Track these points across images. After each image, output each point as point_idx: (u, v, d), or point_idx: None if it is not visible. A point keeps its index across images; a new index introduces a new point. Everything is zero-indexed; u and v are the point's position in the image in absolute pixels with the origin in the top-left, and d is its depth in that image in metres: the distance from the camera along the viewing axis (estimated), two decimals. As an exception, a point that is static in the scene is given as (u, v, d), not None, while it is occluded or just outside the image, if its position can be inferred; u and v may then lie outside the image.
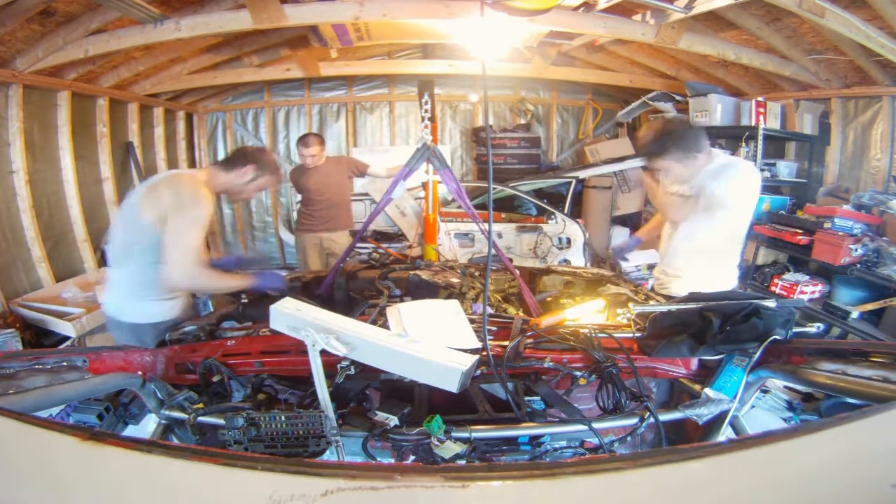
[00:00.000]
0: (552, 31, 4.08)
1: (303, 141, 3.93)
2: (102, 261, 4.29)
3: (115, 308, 2.08)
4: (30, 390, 1.15)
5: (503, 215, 5.18)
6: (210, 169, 2.21)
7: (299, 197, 4.31)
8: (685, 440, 1.55)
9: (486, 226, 2.06)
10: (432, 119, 2.52)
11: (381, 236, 5.14)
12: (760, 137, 4.08)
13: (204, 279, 1.98)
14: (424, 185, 3.23)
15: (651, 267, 5.07)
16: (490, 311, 1.87)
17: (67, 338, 3.21)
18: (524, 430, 1.31)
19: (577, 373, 1.44)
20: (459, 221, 4.85)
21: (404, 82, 6.40)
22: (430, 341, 1.40)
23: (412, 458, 1.28)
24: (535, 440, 1.33)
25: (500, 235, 4.93)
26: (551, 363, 1.47)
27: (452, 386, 1.26)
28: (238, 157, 2.22)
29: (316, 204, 3.97)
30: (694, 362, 1.53)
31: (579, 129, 6.85)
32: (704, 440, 1.39)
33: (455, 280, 2.28)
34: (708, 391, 1.36)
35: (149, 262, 1.94)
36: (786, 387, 2.97)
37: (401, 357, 1.31)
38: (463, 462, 1.22)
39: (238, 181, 2.20)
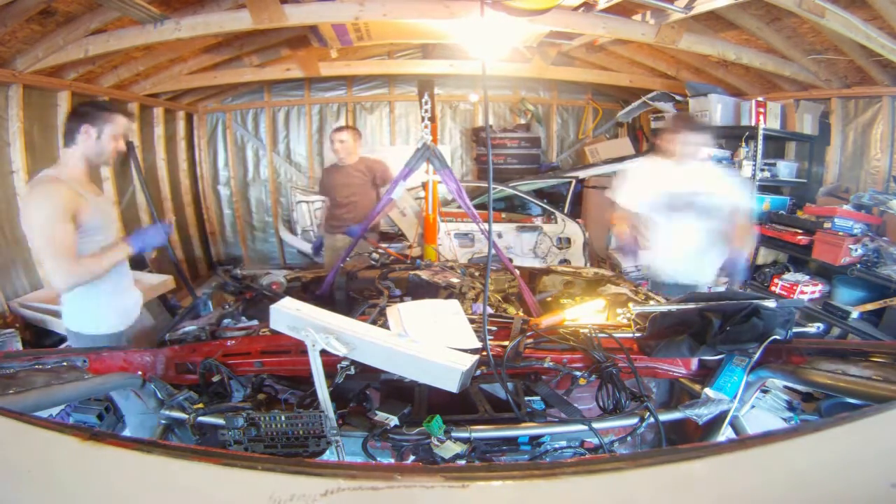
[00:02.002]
0: (552, 31, 4.08)
1: (334, 130, 3.93)
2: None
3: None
4: (30, 390, 1.15)
5: (503, 215, 5.19)
6: (62, 156, 2.03)
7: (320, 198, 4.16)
8: (685, 440, 1.55)
9: (486, 226, 2.06)
10: (432, 119, 2.52)
11: (381, 236, 5.14)
12: (760, 137, 4.08)
13: (77, 271, 1.83)
14: (424, 185, 3.23)
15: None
16: (490, 311, 1.87)
17: (67, 338, 3.21)
18: (524, 430, 1.31)
19: (577, 373, 1.44)
20: (459, 221, 4.85)
21: (404, 82, 6.40)
22: (429, 341, 1.40)
23: (412, 458, 1.28)
24: (535, 440, 1.33)
25: (500, 235, 4.93)
26: (551, 363, 1.47)
27: (452, 386, 1.26)
28: (69, 127, 1.99)
29: (345, 204, 3.86)
30: (694, 362, 1.53)
31: (579, 129, 6.85)
32: (704, 440, 1.39)
33: (455, 280, 2.28)
34: (708, 391, 1.36)
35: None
36: (786, 387, 2.97)
37: (401, 357, 1.31)
38: (463, 462, 1.22)
39: (87, 146, 1.99)
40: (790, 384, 2.37)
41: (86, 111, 1.99)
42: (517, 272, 2.23)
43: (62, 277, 1.81)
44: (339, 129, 3.88)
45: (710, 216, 2.59)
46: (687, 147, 2.64)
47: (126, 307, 2.13)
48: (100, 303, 2.00)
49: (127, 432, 1.65)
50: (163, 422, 1.43)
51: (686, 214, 2.62)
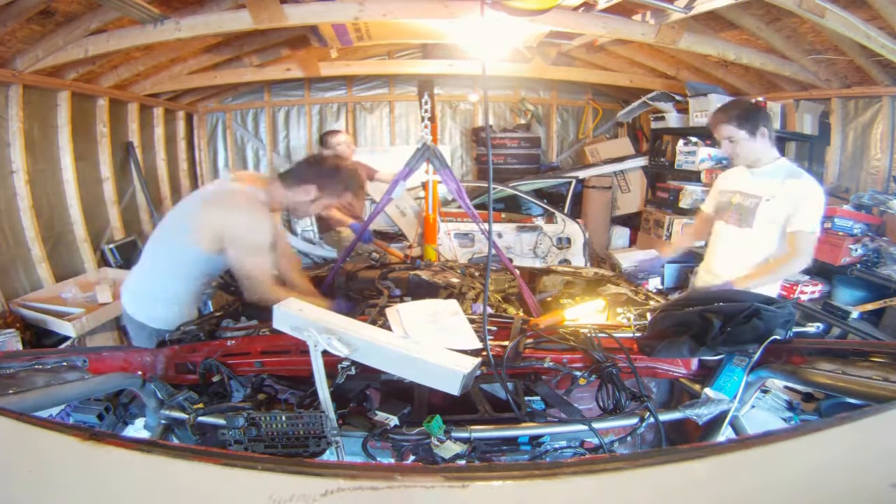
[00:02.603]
0: (552, 31, 4.08)
1: (335, 132, 3.96)
2: (102, 261, 4.29)
3: (129, 304, 2.08)
4: (30, 390, 1.15)
5: (503, 215, 5.19)
6: (271, 183, 2.04)
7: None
8: (685, 440, 1.55)
9: (486, 226, 2.06)
10: (432, 119, 2.52)
11: (381, 236, 5.14)
12: (760, 137, 4.08)
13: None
14: (424, 185, 3.23)
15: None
16: (490, 311, 1.87)
17: (67, 338, 3.21)
18: (524, 430, 1.31)
19: (577, 373, 1.44)
20: (459, 221, 4.85)
21: (404, 82, 6.40)
22: (430, 342, 1.40)
23: (412, 458, 1.28)
24: (535, 440, 1.33)
25: (500, 235, 4.92)
26: (551, 363, 1.47)
27: (454, 389, 1.26)
28: (299, 173, 2.02)
29: (354, 203, 3.90)
30: (694, 362, 1.53)
31: (579, 129, 6.85)
32: (704, 440, 1.39)
33: (455, 280, 2.28)
34: (708, 391, 1.36)
35: (173, 271, 1.96)
36: (786, 387, 2.97)
37: (403, 359, 1.31)
38: (463, 462, 1.22)
39: (299, 199, 2.00)
40: (790, 384, 2.37)
41: (323, 177, 2.00)
42: (517, 272, 2.23)
43: (260, 299, 1.87)
44: (338, 131, 3.93)
45: (751, 226, 2.23)
46: (727, 144, 2.24)
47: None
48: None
49: (128, 432, 1.65)
50: (163, 422, 1.43)
51: (728, 220, 2.34)
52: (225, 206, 1.92)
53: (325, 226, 4.12)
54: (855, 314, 3.45)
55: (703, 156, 4.64)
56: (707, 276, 2.47)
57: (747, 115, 2.18)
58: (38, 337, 3.29)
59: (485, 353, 1.41)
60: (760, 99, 4.24)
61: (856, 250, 3.48)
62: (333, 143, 3.89)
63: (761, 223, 2.20)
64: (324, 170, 2.02)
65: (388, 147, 6.45)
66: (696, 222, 2.69)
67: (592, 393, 1.45)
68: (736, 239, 2.31)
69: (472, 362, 1.29)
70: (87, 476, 0.64)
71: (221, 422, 1.31)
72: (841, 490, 0.59)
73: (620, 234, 5.97)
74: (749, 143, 2.19)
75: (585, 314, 1.87)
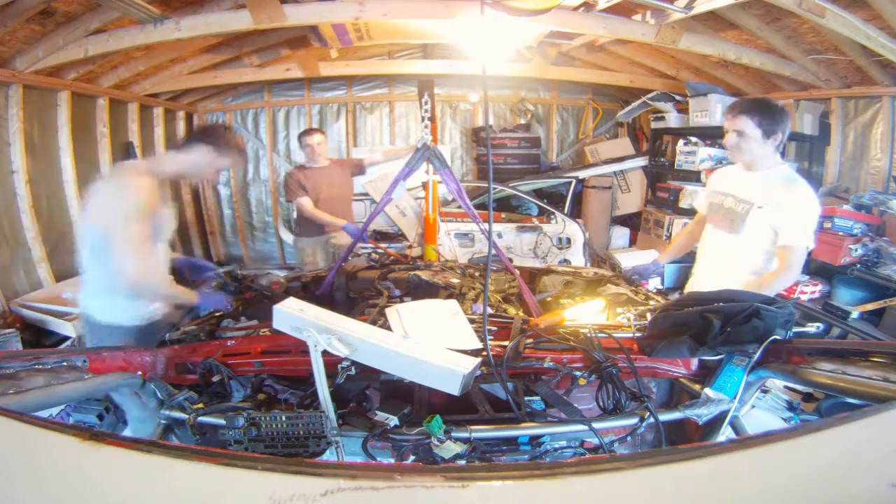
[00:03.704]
0: (552, 31, 4.08)
1: (307, 132, 3.87)
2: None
3: (86, 306, 2.05)
4: (30, 390, 1.15)
5: (503, 215, 5.19)
6: (163, 154, 2.21)
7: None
8: (685, 440, 1.55)
9: (486, 226, 2.06)
10: (432, 119, 2.52)
11: (381, 236, 5.14)
12: (760, 137, 4.08)
13: (150, 278, 1.87)
14: (424, 185, 3.23)
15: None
16: (490, 311, 1.87)
17: (67, 338, 3.21)
18: (524, 430, 1.31)
19: (577, 373, 1.44)
20: (459, 221, 4.85)
21: (404, 82, 6.40)
22: (430, 342, 1.40)
23: (412, 458, 1.28)
24: (535, 440, 1.33)
25: (500, 235, 4.93)
26: (551, 363, 1.47)
27: (454, 389, 1.26)
28: (193, 139, 2.14)
29: (327, 206, 3.80)
30: (694, 362, 1.53)
31: (579, 129, 6.85)
32: (704, 440, 1.39)
33: (455, 280, 2.27)
34: (708, 391, 1.36)
35: (102, 262, 1.86)
36: (786, 387, 2.96)
37: (403, 359, 1.31)
38: (463, 462, 1.22)
39: (196, 162, 2.08)
40: (790, 384, 2.37)
41: (217, 136, 2.15)
42: (517, 272, 2.23)
43: (130, 273, 1.79)
44: (311, 131, 3.85)
45: (740, 232, 2.13)
46: (733, 137, 2.13)
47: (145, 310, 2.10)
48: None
49: (127, 432, 1.66)
50: (163, 422, 1.43)
51: (718, 224, 2.25)
52: (105, 180, 2.02)
53: (314, 230, 3.92)
54: (855, 314, 3.45)
55: (703, 156, 4.64)
56: (694, 282, 2.38)
57: (771, 117, 2.07)
58: (38, 337, 3.29)
59: (485, 353, 1.41)
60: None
61: (856, 250, 3.48)
62: (304, 143, 3.80)
63: (751, 230, 2.10)
64: (213, 134, 2.18)
65: (388, 147, 6.44)
66: (691, 224, 2.63)
67: (592, 393, 1.45)
68: (724, 244, 2.22)
69: (472, 362, 1.29)
70: (87, 476, 0.64)
71: (221, 422, 1.31)
72: (841, 490, 0.59)
73: (620, 234, 5.97)
74: (758, 144, 2.10)
75: (585, 314, 1.87)
